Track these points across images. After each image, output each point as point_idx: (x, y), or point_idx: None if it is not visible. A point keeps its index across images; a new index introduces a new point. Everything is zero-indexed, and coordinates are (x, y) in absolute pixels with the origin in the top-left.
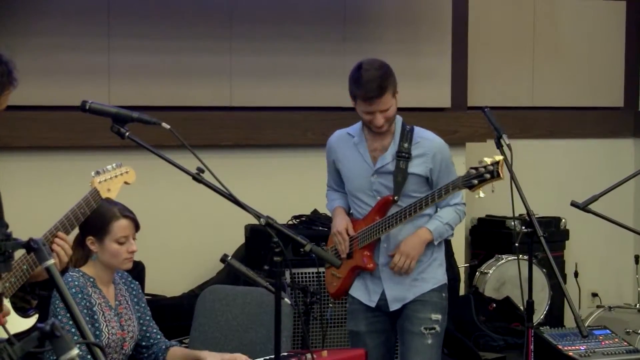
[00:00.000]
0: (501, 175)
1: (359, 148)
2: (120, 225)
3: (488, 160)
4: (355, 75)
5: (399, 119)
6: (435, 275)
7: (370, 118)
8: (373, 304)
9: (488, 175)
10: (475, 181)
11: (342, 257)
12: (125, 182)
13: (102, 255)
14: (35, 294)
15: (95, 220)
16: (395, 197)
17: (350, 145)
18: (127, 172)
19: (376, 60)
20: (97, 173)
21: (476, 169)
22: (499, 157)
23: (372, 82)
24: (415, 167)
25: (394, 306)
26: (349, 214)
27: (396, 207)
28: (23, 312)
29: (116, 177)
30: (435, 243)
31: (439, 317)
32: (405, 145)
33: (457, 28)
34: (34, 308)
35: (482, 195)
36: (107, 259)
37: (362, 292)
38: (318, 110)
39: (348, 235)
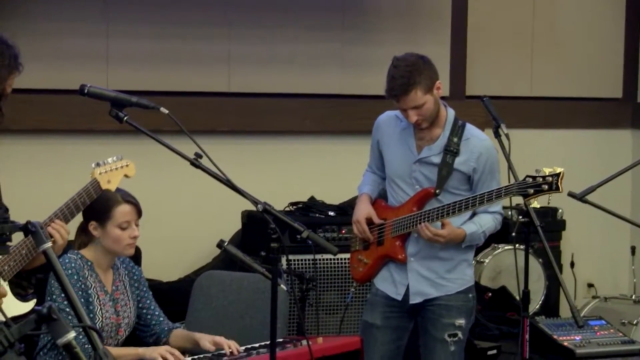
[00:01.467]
0: (560, 188)
1: (406, 134)
2: (123, 211)
3: (547, 171)
4: (389, 68)
5: (451, 112)
6: (462, 276)
7: (405, 115)
8: (400, 297)
9: (546, 187)
10: (531, 190)
11: (372, 243)
12: (126, 175)
13: (105, 240)
14: (31, 282)
15: (98, 205)
16: (437, 191)
17: (398, 130)
18: (127, 165)
19: (411, 55)
20: (98, 165)
21: (534, 177)
22: (560, 169)
23: (397, 80)
24: (461, 164)
25: (414, 299)
26: (383, 198)
27: (435, 201)
28: (21, 297)
29: (117, 169)
30: (463, 246)
31: (463, 322)
32: (455, 140)
33: (456, 17)
34: (30, 294)
35: (536, 205)
36: (110, 244)
37: (389, 285)
38: (316, 98)
39: (373, 222)
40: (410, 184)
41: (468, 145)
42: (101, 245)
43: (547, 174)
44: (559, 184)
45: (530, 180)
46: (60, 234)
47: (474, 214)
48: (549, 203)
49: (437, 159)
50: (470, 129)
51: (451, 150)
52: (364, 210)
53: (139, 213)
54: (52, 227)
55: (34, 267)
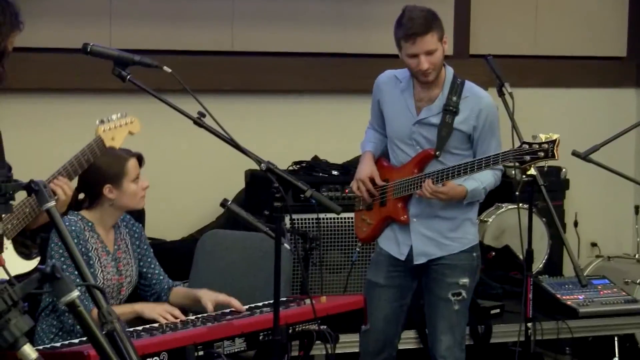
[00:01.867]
0: (556, 155)
1: (405, 95)
2: (133, 165)
3: (543, 137)
4: (399, 17)
5: (450, 71)
6: (466, 235)
7: (415, 63)
8: (403, 257)
9: (542, 154)
10: (528, 157)
11: (374, 202)
12: (130, 132)
13: (121, 199)
14: (35, 241)
15: (109, 167)
16: (437, 152)
17: (397, 90)
18: (131, 122)
19: (422, 6)
20: (102, 122)
21: (530, 144)
22: (556, 136)
23: (416, 19)
24: (461, 123)
25: (418, 259)
26: (386, 157)
27: (436, 162)
28: (25, 256)
29: (121, 126)
30: (464, 202)
31: (466, 281)
32: (454, 99)
33: None
34: (34, 252)
35: (533, 172)
36: (127, 201)
37: (393, 244)
38: (320, 57)
39: (375, 183)
40: (411, 145)
41: (467, 103)
42: (112, 207)
43: (543, 140)
44: (554, 151)
45: (527, 147)
46: (64, 190)
47: None
48: (545, 169)
49: (436, 120)
50: (470, 86)
51: (450, 110)
52: (367, 169)
53: (140, 163)
54: (55, 183)
55: (38, 226)
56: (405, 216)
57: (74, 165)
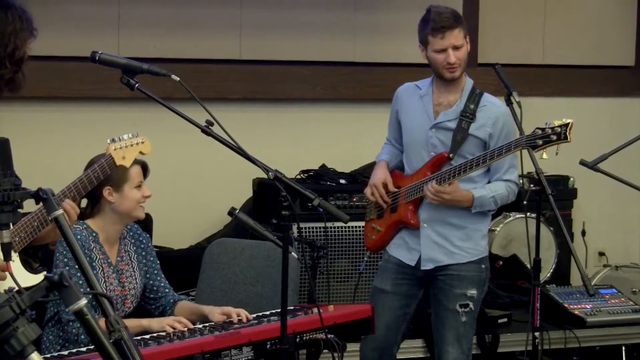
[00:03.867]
0: (569, 138)
1: (424, 100)
2: (137, 171)
3: (556, 122)
4: (425, 15)
5: (470, 81)
6: (476, 247)
7: (442, 57)
8: (413, 262)
9: (554, 137)
10: (540, 141)
11: (385, 210)
12: (141, 152)
13: (121, 203)
14: (37, 257)
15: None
16: (451, 155)
17: (416, 97)
18: (142, 142)
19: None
20: (113, 140)
21: (542, 129)
22: (569, 120)
23: (444, 14)
24: (477, 129)
25: (426, 265)
26: (400, 170)
27: (449, 167)
28: (31, 269)
29: (132, 146)
30: (473, 211)
31: (474, 292)
32: (472, 106)
33: None
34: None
35: (545, 157)
36: (125, 207)
37: (403, 251)
38: (328, 65)
39: (388, 190)
40: (427, 150)
41: (484, 112)
42: (112, 213)
43: (556, 125)
44: (567, 133)
45: (539, 132)
46: (70, 216)
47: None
48: (557, 154)
49: (452, 124)
50: (488, 97)
51: (467, 116)
52: (381, 175)
53: (145, 172)
54: (63, 207)
55: (45, 243)
56: (415, 220)
57: (83, 182)
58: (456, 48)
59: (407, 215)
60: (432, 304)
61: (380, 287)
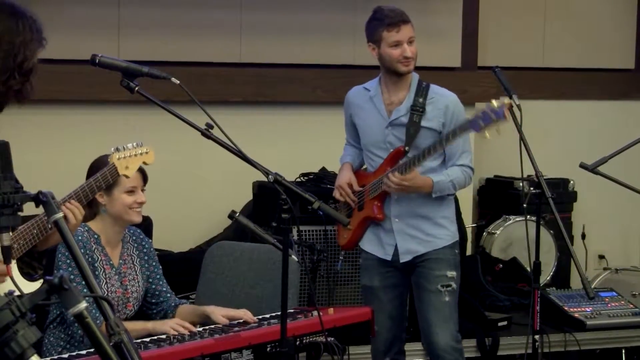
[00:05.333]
0: (506, 116)
1: (375, 101)
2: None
3: (495, 103)
4: (376, 14)
5: (415, 76)
6: (448, 232)
7: (398, 52)
8: (389, 257)
9: (493, 116)
10: (481, 122)
11: (353, 208)
12: (144, 162)
13: (111, 207)
14: (41, 262)
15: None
16: (406, 148)
17: (367, 99)
18: (146, 153)
19: None
20: (117, 150)
21: (483, 112)
22: (507, 100)
23: (396, 10)
24: (428, 121)
25: (404, 258)
26: (362, 169)
27: (407, 160)
28: (29, 277)
29: (135, 156)
30: (433, 196)
31: (454, 274)
32: (420, 100)
33: None
34: (38, 274)
35: (487, 136)
36: (116, 210)
37: (376, 246)
38: (328, 68)
39: (352, 189)
40: (385, 148)
41: (434, 104)
42: (108, 215)
43: (495, 106)
44: (505, 112)
45: (480, 114)
46: (74, 214)
47: None
48: (498, 133)
49: (405, 119)
50: (435, 88)
51: (417, 110)
52: (345, 177)
53: (144, 179)
54: (67, 206)
55: (47, 247)
56: (381, 214)
57: (85, 191)
58: (410, 42)
59: (374, 210)
60: (414, 292)
61: (370, 285)
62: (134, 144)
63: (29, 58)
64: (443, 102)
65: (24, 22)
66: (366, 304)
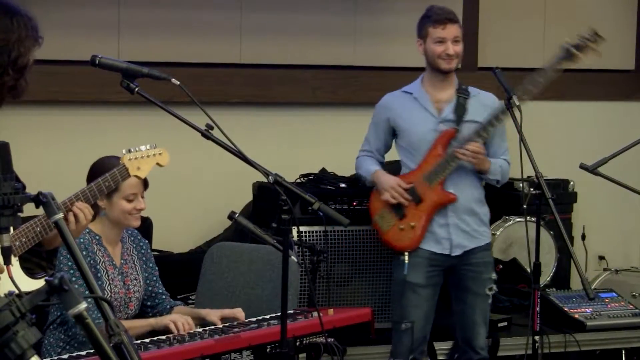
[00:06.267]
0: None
1: (421, 101)
2: (130, 183)
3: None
4: (426, 12)
5: (456, 79)
6: (487, 230)
7: (442, 48)
8: (447, 251)
9: (588, 39)
10: (574, 50)
11: (406, 207)
12: (158, 164)
13: (111, 212)
14: (51, 262)
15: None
16: (457, 128)
17: (410, 101)
18: (160, 154)
19: None
20: (129, 151)
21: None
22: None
23: (445, 9)
24: (474, 115)
25: (456, 252)
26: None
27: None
28: (31, 274)
29: (148, 157)
30: (490, 177)
31: (495, 275)
32: (463, 97)
33: None
34: (41, 273)
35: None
36: (115, 215)
37: (433, 243)
38: (328, 69)
39: (402, 186)
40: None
41: (478, 100)
42: (108, 218)
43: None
44: (597, 34)
45: (569, 45)
46: (84, 214)
47: None
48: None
49: (454, 117)
50: (475, 89)
51: (462, 107)
52: (390, 179)
53: (145, 185)
54: (77, 206)
55: (55, 247)
56: (453, 195)
57: (92, 190)
58: (455, 42)
59: (444, 195)
60: (459, 292)
61: (415, 282)
62: (147, 145)
63: (24, 55)
64: (487, 99)
65: (18, 20)
66: (403, 301)
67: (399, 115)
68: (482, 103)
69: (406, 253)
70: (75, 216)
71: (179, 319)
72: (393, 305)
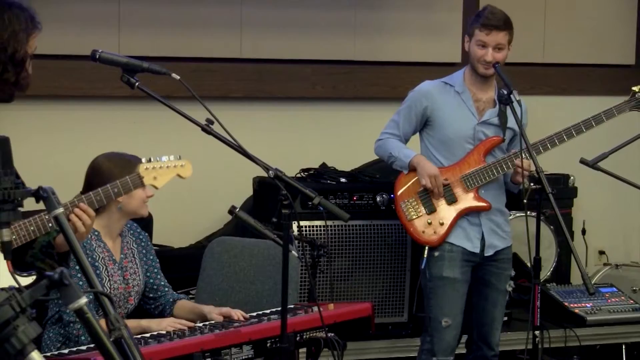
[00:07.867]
0: None
1: (463, 97)
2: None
3: (637, 88)
4: (480, 11)
5: (494, 80)
6: (510, 231)
7: (481, 52)
8: (477, 250)
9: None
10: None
11: (439, 203)
12: (179, 176)
13: (128, 203)
14: (68, 263)
15: (122, 171)
16: (504, 138)
17: (452, 94)
18: (182, 166)
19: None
20: (149, 160)
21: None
22: None
23: (497, 14)
24: (512, 123)
25: (488, 251)
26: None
27: (500, 152)
28: (21, 271)
29: (168, 167)
30: (520, 187)
31: (513, 272)
32: (504, 104)
33: None
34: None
35: None
36: (132, 207)
37: (464, 239)
38: (328, 64)
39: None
40: (472, 144)
41: (516, 107)
42: (119, 211)
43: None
44: None
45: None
46: (83, 221)
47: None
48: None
49: (496, 121)
50: (513, 95)
51: (503, 113)
52: (434, 167)
53: None
54: (76, 213)
55: (67, 250)
56: (487, 203)
57: (99, 196)
58: (498, 49)
59: (479, 201)
60: (482, 288)
61: (452, 277)
62: (171, 156)
63: (19, 49)
64: (522, 106)
65: (9, 15)
66: (439, 296)
67: (440, 107)
68: (518, 111)
69: (426, 247)
70: (73, 223)
71: (178, 326)
72: (426, 301)
